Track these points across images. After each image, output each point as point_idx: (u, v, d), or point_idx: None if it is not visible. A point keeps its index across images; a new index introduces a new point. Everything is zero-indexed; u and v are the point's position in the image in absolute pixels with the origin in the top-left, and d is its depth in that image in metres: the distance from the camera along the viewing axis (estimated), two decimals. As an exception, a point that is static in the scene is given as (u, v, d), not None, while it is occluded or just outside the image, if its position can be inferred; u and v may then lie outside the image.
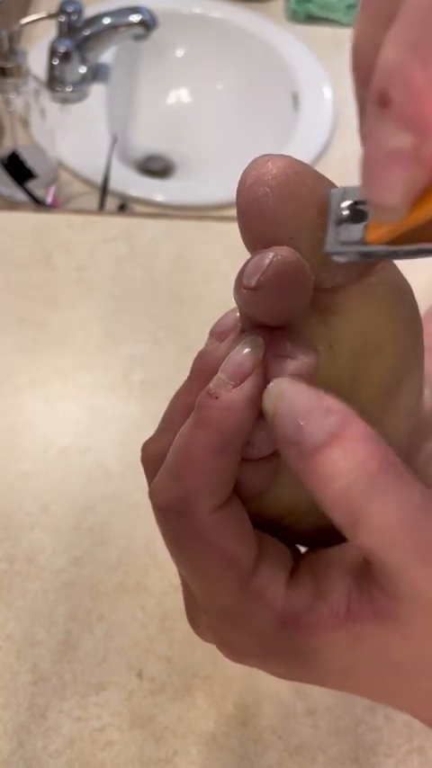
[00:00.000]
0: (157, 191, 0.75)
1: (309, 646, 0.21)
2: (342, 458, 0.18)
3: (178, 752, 0.38)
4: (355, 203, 0.19)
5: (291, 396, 0.19)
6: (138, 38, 0.82)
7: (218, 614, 0.22)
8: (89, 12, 0.80)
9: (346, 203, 0.19)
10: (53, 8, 0.77)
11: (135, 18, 0.80)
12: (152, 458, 0.23)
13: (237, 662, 0.24)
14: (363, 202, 0.18)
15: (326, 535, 0.22)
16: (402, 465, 0.18)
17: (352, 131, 0.83)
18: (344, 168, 0.78)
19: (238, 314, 0.22)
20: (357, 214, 0.18)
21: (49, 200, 0.69)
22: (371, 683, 0.21)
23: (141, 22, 0.80)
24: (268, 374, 0.20)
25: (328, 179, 0.20)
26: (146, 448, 0.24)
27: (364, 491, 0.18)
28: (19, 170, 0.67)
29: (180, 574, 0.24)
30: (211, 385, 0.20)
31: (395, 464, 0.18)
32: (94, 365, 0.52)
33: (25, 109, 0.70)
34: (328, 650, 0.21)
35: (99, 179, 0.72)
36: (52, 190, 0.70)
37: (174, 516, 0.21)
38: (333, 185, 0.20)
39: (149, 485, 0.22)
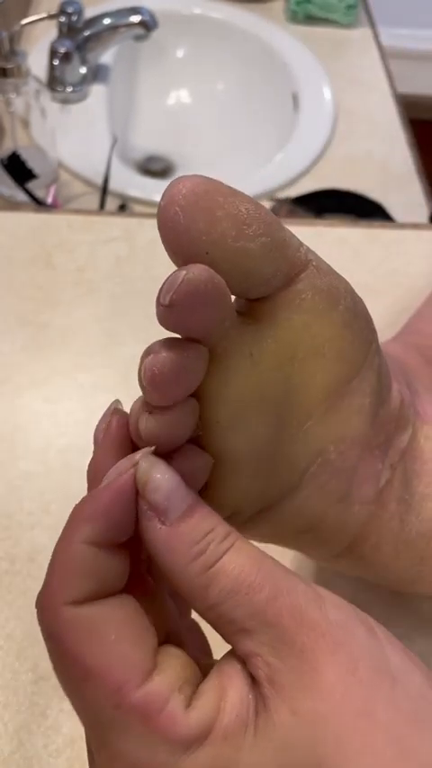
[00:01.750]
0: (157, 191, 0.75)
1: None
2: (200, 523, 0.20)
3: (178, 751, 0.39)
4: None
5: (163, 476, 0.21)
6: (138, 38, 0.82)
7: (104, 752, 0.19)
8: (89, 12, 0.81)
9: None
10: (53, 9, 0.77)
11: (135, 18, 0.80)
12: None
13: None
14: None
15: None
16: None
17: (352, 131, 0.83)
18: (344, 168, 0.78)
19: (113, 408, 0.23)
20: None
21: (49, 200, 0.69)
22: None
23: (141, 23, 0.80)
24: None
25: (243, 194, 0.21)
26: None
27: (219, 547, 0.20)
28: (19, 170, 0.67)
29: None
30: None
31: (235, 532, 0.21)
32: (94, 365, 0.52)
33: (26, 109, 0.70)
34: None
35: (99, 179, 0.72)
36: (52, 190, 0.70)
37: (38, 615, 0.20)
38: (250, 200, 0.21)
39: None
